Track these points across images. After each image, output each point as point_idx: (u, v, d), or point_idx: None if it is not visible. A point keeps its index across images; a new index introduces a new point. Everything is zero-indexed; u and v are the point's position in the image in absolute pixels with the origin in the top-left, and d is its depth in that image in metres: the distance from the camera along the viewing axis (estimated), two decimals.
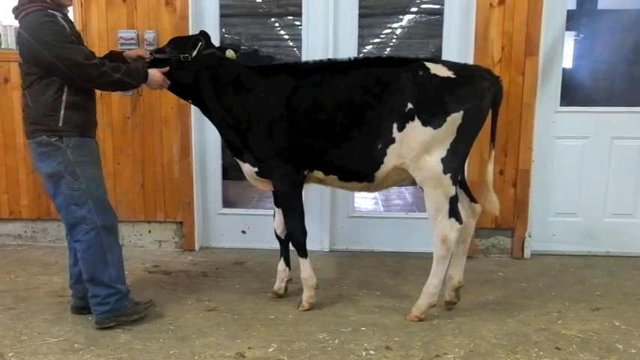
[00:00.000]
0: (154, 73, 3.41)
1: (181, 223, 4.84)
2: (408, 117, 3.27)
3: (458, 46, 4.66)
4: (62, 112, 3.20)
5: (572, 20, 4.93)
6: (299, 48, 4.91)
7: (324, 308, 3.69)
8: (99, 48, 4.58)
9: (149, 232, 4.91)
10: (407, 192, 7.01)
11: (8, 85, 4.72)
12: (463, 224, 3.40)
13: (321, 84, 3.45)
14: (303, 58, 4.73)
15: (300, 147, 3.45)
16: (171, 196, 4.76)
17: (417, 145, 3.26)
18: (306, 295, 3.67)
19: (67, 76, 3.16)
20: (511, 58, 4.50)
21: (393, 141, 3.32)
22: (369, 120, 3.35)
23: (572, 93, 4.85)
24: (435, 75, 3.27)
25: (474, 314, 3.58)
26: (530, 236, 4.72)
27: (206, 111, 3.68)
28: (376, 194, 6.72)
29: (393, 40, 13.76)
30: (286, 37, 12.23)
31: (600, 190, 4.78)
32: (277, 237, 3.86)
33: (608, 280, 4.27)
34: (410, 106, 3.26)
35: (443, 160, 3.25)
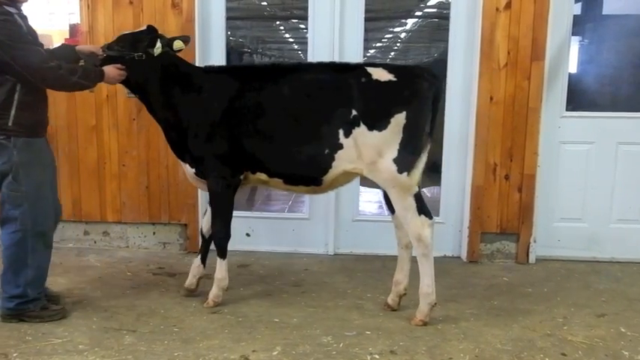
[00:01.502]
0: (110, 70, 3.39)
1: (186, 225, 4.84)
2: (353, 123, 3.33)
3: (463, 50, 4.65)
4: (13, 111, 3.19)
5: (578, 25, 4.92)
6: (304, 51, 4.91)
7: (329, 312, 3.68)
8: None
9: (153, 233, 4.90)
10: None
11: None
12: (433, 220, 3.44)
13: (265, 88, 3.49)
14: (309, 58, 4.74)
15: (241, 150, 3.49)
16: (175, 198, 4.76)
17: (369, 150, 3.33)
18: (214, 294, 3.72)
19: (21, 77, 3.14)
20: (517, 63, 4.50)
21: (340, 147, 3.37)
22: (313, 126, 3.40)
23: (578, 98, 4.84)
24: (376, 80, 3.35)
25: (478, 319, 3.57)
26: (535, 241, 4.70)
27: (151, 108, 3.68)
28: (381, 198, 6.72)
29: (397, 44, 13.77)
30: (291, 40, 12.25)
31: (606, 196, 4.76)
32: (202, 235, 3.92)
33: (613, 286, 4.25)
34: (354, 112, 3.33)
35: (395, 161, 3.32)
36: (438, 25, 9.57)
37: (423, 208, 3.39)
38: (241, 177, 3.59)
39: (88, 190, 4.80)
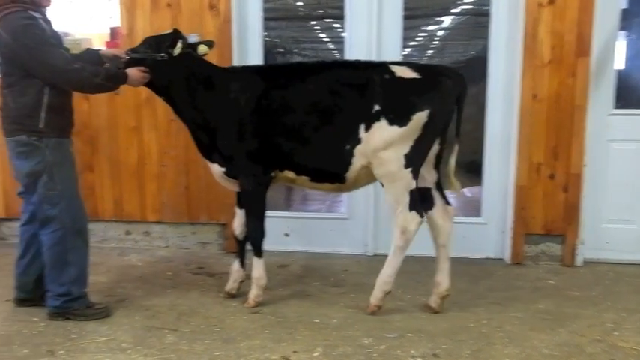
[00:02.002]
0: (134, 73, 3.43)
1: (224, 225, 4.85)
2: (375, 118, 3.36)
3: (505, 47, 4.55)
4: (43, 114, 3.27)
5: (626, 19, 4.75)
6: (339, 51, 4.89)
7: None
8: None
9: (193, 233, 4.94)
10: (451, 197, 6.87)
11: None
12: (423, 219, 3.47)
13: (291, 86, 3.52)
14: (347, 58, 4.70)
15: (269, 148, 3.52)
16: (214, 198, 4.77)
17: (380, 142, 3.35)
18: (254, 294, 3.72)
19: (48, 80, 3.22)
20: (561, 59, 4.37)
21: (359, 142, 3.41)
22: (337, 122, 3.43)
23: (627, 95, 4.67)
24: (400, 77, 3.37)
25: (524, 323, 3.48)
26: (582, 243, 4.55)
27: (177, 110, 3.70)
28: None
29: (434, 43, 13.60)
30: (326, 39, 12.22)
31: None
32: (235, 237, 3.90)
33: None
34: (377, 107, 3.35)
35: (406, 156, 3.35)
36: (477, 22, 9.41)
37: (416, 206, 3.44)
38: (272, 174, 3.61)
39: (129, 191, 4.86)
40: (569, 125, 4.42)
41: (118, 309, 3.65)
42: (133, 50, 3.59)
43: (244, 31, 4.77)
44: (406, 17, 4.82)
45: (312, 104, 3.46)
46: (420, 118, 3.33)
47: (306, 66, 3.70)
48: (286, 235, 4.95)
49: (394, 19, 4.66)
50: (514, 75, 4.50)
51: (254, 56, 4.78)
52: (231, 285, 3.89)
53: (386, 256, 4.74)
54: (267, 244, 4.88)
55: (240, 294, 3.87)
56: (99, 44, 5.01)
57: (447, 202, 3.65)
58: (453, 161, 3.57)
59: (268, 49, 8.04)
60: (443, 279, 3.61)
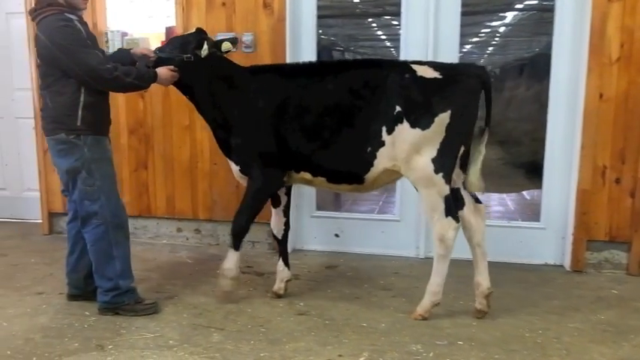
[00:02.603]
0: (163, 72, 3.49)
1: None
2: (397, 120, 3.29)
3: (570, 44, 4.32)
4: (80, 112, 3.36)
5: None
6: (396, 48, 4.76)
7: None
8: None
9: None
10: (509, 199, 6.66)
11: None
12: (460, 224, 3.39)
13: (310, 86, 3.49)
14: (402, 58, 4.58)
15: (286, 149, 3.50)
16: None
17: (407, 146, 3.28)
18: (222, 283, 3.72)
19: (82, 79, 3.31)
20: (631, 56, 4.11)
21: (382, 144, 3.34)
22: (357, 123, 3.38)
23: None
24: (421, 77, 3.30)
25: (583, 334, 3.29)
26: None
27: (200, 109, 3.73)
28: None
29: (496, 39, 13.20)
30: (383, 37, 12.05)
31: None
32: (274, 237, 3.93)
33: None
34: (398, 108, 3.28)
35: (434, 160, 3.26)
36: (540, 17, 9.05)
37: (451, 211, 3.35)
38: (285, 178, 3.62)
39: (181, 188, 4.92)
40: (638, 127, 4.15)
41: (166, 306, 3.68)
42: (161, 50, 3.65)
43: (298, 29, 4.73)
44: (465, 13, 4.67)
45: (331, 105, 3.42)
46: (443, 119, 3.24)
47: (326, 65, 3.66)
48: (336, 235, 4.89)
49: (452, 15, 4.50)
50: (579, 73, 4.27)
51: (307, 54, 4.73)
52: (278, 285, 3.88)
53: None
54: (317, 244, 4.92)
55: (287, 294, 3.84)
56: (156, 44, 5.10)
57: (478, 200, 3.56)
58: (482, 151, 3.43)
59: (325, 47, 8.00)
60: (482, 279, 3.51)
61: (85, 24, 3.43)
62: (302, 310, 3.64)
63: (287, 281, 3.88)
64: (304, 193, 4.87)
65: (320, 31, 5.20)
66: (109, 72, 3.30)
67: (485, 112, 3.44)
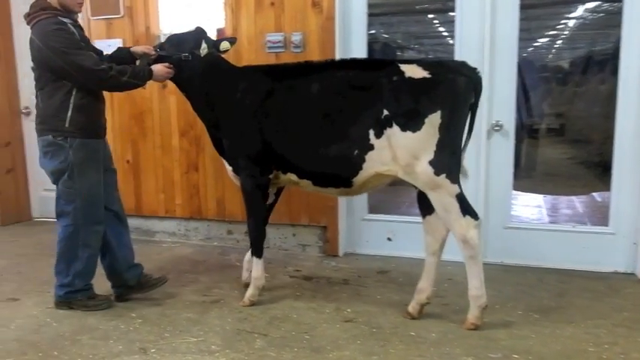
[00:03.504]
0: (159, 69, 3.54)
1: (325, 227, 4.74)
2: (385, 123, 3.21)
3: None
4: (69, 113, 3.42)
5: None
6: None
7: None
8: (247, 51, 4.67)
9: (293, 235, 4.88)
10: (577, 201, 6.29)
11: (166, 90, 4.96)
12: (479, 220, 3.27)
13: (296, 87, 3.45)
14: (457, 57, 4.38)
15: (270, 150, 3.48)
16: (315, 200, 4.67)
17: (403, 152, 3.20)
18: (250, 293, 3.71)
19: (77, 81, 3.38)
20: None
21: (371, 147, 3.27)
22: (341, 126, 3.31)
23: None
24: (409, 78, 3.20)
25: None
26: None
27: (194, 107, 3.77)
28: (542, 203, 6.15)
29: (565, 33, 12.59)
30: (445, 34, 11.74)
31: None
32: None
33: None
34: (385, 112, 3.21)
35: (432, 163, 3.17)
36: (614, 9, 8.53)
37: (468, 209, 3.24)
38: (270, 176, 3.59)
39: (232, 191, 4.89)
40: None
41: (211, 310, 3.66)
42: (160, 47, 3.69)
43: (348, 27, 4.61)
44: (531, 6, 4.40)
45: (316, 107, 3.37)
46: (433, 120, 3.14)
47: (314, 65, 3.58)
48: (389, 239, 4.74)
49: (510, 8, 4.24)
50: None
51: (358, 53, 4.59)
52: (244, 275, 3.95)
53: (494, 265, 4.44)
54: (369, 248, 4.79)
55: (333, 300, 3.73)
56: None
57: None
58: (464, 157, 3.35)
59: (386, 45, 7.84)
60: (426, 286, 3.48)
61: (79, 27, 3.52)
62: (349, 316, 3.52)
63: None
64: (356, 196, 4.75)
65: (381, 30, 5.07)
66: (105, 72, 3.35)
67: (471, 117, 3.32)
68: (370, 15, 4.69)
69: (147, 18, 5.01)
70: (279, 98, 3.47)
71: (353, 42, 4.62)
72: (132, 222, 5.28)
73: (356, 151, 3.29)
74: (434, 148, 3.16)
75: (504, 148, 4.36)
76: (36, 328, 3.42)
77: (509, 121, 4.34)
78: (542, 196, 6.38)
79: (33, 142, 5.78)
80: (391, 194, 6.14)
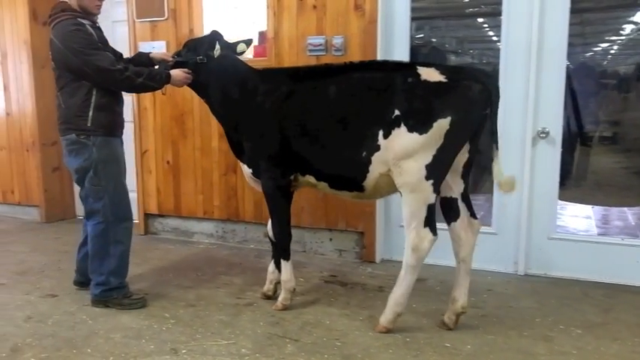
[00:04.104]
0: (177, 74, 3.59)
1: (362, 233, 4.67)
2: (394, 124, 3.17)
3: None
4: (91, 113, 3.50)
5: None
6: None
7: (510, 342, 3.22)
8: (289, 54, 4.66)
9: (330, 240, 4.83)
10: (630, 212, 6.00)
11: None
12: (437, 237, 3.25)
13: (314, 90, 3.43)
14: (502, 62, 4.27)
15: (290, 152, 3.47)
16: (353, 205, 4.61)
17: (400, 150, 3.15)
18: (282, 297, 3.70)
19: (94, 80, 3.45)
20: None
21: (377, 148, 3.23)
22: (356, 127, 3.28)
23: None
24: (424, 80, 3.15)
25: None
26: None
27: (213, 110, 3.80)
28: (591, 214, 5.91)
29: (622, 38, 12.13)
30: (495, 38, 11.48)
31: None
32: (269, 238, 3.87)
33: None
34: (397, 113, 3.16)
35: (427, 167, 3.13)
36: None
37: (432, 223, 3.22)
38: (291, 177, 3.56)
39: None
40: None
41: (245, 312, 3.65)
42: (177, 54, 3.76)
43: (390, 31, 4.54)
44: (586, 10, 4.23)
45: (332, 108, 3.35)
46: (442, 125, 3.08)
47: (333, 67, 3.55)
48: None
49: (559, 12, 4.08)
50: None
51: (400, 57, 4.50)
52: (267, 286, 3.89)
53: (539, 277, 4.28)
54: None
55: (368, 306, 3.65)
56: (249, 49, 5.13)
57: (473, 215, 3.41)
58: (497, 169, 3.25)
59: (436, 49, 7.71)
60: (460, 295, 3.39)
61: (97, 28, 3.59)
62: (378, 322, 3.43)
63: (277, 283, 3.83)
64: (393, 202, 4.66)
65: (430, 34, 4.99)
66: (120, 72, 3.43)
67: (492, 127, 3.23)
68: (418, 19, 4.63)
69: (191, 20, 5.06)
70: (298, 100, 3.46)
71: (395, 46, 4.54)
72: (170, 222, 5.42)
73: (364, 152, 3.26)
74: (434, 152, 3.12)
75: (550, 156, 4.19)
76: (72, 324, 3.48)
77: (556, 128, 4.17)
78: (591, 206, 6.13)
79: None
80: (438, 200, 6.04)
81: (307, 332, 3.36)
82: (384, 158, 3.22)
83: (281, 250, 3.70)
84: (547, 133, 4.16)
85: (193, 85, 3.74)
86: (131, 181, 5.53)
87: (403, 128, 3.14)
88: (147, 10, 5.14)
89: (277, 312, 3.64)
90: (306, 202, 4.77)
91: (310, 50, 4.60)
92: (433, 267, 4.49)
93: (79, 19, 3.48)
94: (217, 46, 3.57)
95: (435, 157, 3.12)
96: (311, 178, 3.53)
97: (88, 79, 3.46)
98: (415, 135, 3.12)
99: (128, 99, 5.29)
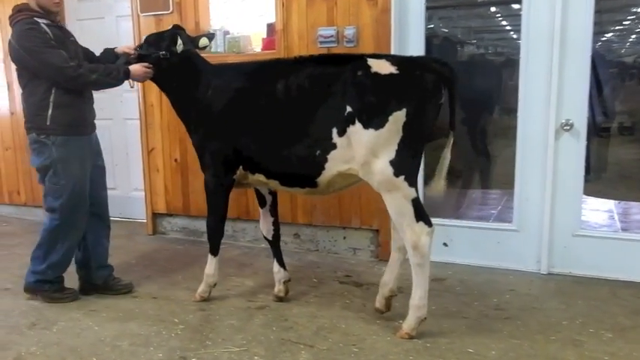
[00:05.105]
0: (136, 68, 3.55)
1: (377, 230, 4.50)
2: (348, 121, 3.08)
3: None
4: (50, 111, 3.50)
5: None
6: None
7: (536, 346, 3.05)
8: (298, 46, 4.50)
9: (344, 238, 4.67)
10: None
11: None
12: (432, 228, 3.12)
13: (262, 85, 3.36)
14: (523, 52, 4.08)
15: (236, 150, 3.44)
16: (367, 203, 4.45)
17: (363, 149, 3.06)
18: (201, 289, 3.74)
19: (50, 78, 3.46)
20: None
21: (334, 147, 3.15)
22: (304, 125, 3.21)
23: None
24: (375, 73, 3.06)
25: None
26: None
27: (173, 105, 3.75)
28: (613, 208, 5.71)
29: None
30: (508, 28, 11.25)
31: None
32: (265, 238, 3.85)
33: None
34: (349, 109, 3.07)
35: (392, 163, 3.03)
36: None
37: (422, 215, 3.10)
38: (234, 177, 3.54)
39: (280, 191, 4.72)
40: None
41: (257, 316, 3.50)
42: (140, 47, 3.70)
43: (404, 21, 4.35)
44: None
45: (281, 106, 3.28)
46: (398, 118, 3.00)
47: (282, 62, 3.53)
48: (445, 244, 4.45)
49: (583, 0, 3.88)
50: None
51: (414, 48, 4.32)
52: (278, 287, 3.77)
53: (564, 276, 4.10)
54: None
55: (388, 316, 3.49)
56: (257, 41, 4.99)
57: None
58: (447, 155, 3.20)
59: (447, 40, 7.52)
60: (389, 281, 3.40)
61: (56, 27, 3.56)
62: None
63: (285, 282, 3.76)
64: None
65: (440, 24, 4.81)
66: (73, 69, 3.42)
67: (449, 112, 3.15)
68: (434, 8, 4.43)
69: (196, 14, 4.91)
70: (246, 96, 3.39)
71: (410, 36, 4.35)
72: (179, 222, 5.29)
73: (318, 151, 3.19)
74: (395, 147, 3.02)
75: (574, 149, 4.00)
76: (78, 332, 3.35)
77: (581, 120, 3.97)
78: (616, 201, 5.92)
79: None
80: (447, 196, 5.86)
81: (322, 337, 3.21)
82: (344, 157, 3.15)
83: (211, 244, 3.69)
84: (571, 125, 3.96)
85: (155, 80, 3.70)
86: (138, 179, 5.48)
87: (358, 125, 3.05)
88: (151, 4, 4.99)
89: (291, 316, 3.49)
90: (318, 199, 4.61)
91: (321, 42, 4.43)
92: (452, 265, 4.35)
93: (35, 19, 3.47)
94: (179, 41, 3.52)
95: (397, 151, 3.02)
96: (261, 177, 3.47)
97: (46, 78, 3.47)
98: (371, 131, 3.02)
99: (134, 96, 5.21)
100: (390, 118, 3.00)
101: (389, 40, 4.28)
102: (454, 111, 3.16)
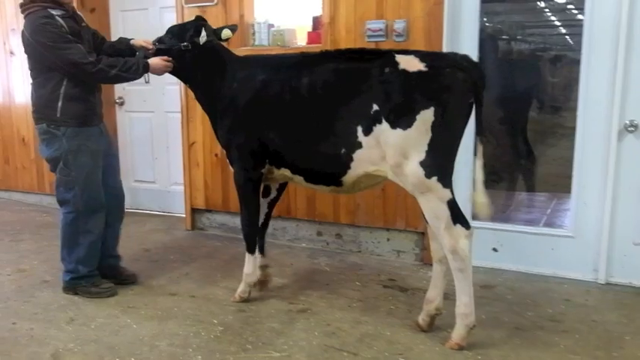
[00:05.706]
0: (156, 62, 3.50)
1: (423, 233, 4.31)
2: (375, 119, 2.97)
3: None
4: (60, 103, 3.47)
5: None
6: (572, 36, 3.97)
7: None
8: (346, 40, 4.35)
9: (387, 240, 4.50)
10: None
11: None
12: (471, 229, 2.97)
13: (288, 80, 3.26)
14: (584, 47, 3.83)
15: (263, 143, 3.36)
16: (413, 204, 4.18)
17: (391, 150, 2.96)
18: (240, 289, 3.65)
19: (67, 72, 3.42)
20: None
21: (359, 145, 3.05)
22: (329, 121, 3.10)
23: None
24: (403, 70, 2.93)
25: None
26: None
27: (197, 97, 3.70)
28: None
29: None
30: (557, 23, 10.86)
31: None
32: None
33: None
34: (375, 107, 2.97)
35: (422, 164, 2.91)
36: None
37: (460, 217, 2.96)
38: (263, 170, 3.45)
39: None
40: None
41: (298, 320, 3.37)
42: (159, 40, 3.62)
43: (457, 14, 4.15)
44: None
45: (306, 101, 3.18)
46: (426, 117, 2.87)
47: (307, 57, 3.35)
48: (494, 249, 4.24)
49: None
50: None
51: (468, 43, 4.12)
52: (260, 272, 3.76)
53: (624, 286, 3.86)
54: (472, 259, 4.28)
55: (437, 327, 3.32)
56: (303, 35, 4.85)
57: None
58: (479, 166, 3.00)
59: (492, 36, 7.26)
60: (435, 296, 3.21)
61: (71, 18, 3.49)
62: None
63: (263, 267, 3.75)
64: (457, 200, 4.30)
65: (485, 19, 4.59)
66: (93, 65, 3.38)
67: (475, 117, 3.00)
68: (484, 1, 4.21)
69: (241, 6, 4.82)
70: (272, 90, 3.29)
71: (463, 30, 4.16)
72: (219, 218, 5.19)
73: (343, 150, 3.09)
74: (425, 147, 2.89)
75: (638, 152, 3.75)
76: (116, 329, 3.27)
77: None
78: None
79: (127, 131, 5.91)
80: (496, 197, 5.62)
81: (366, 345, 3.06)
82: (371, 157, 3.04)
83: (246, 242, 3.61)
84: (636, 126, 3.71)
85: (176, 73, 3.64)
86: (178, 174, 5.42)
87: (385, 124, 2.93)
88: None
89: (334, 321, 3.35)
90: (362, 199, 4.46)
91: (369, 36, 4.27)
92: (502, 272, 4.14)
93: (48, 10, 3.40)
94: (203, 33, 3.44)
95: (428, 152, 2.89)
96: (286, 172, 3.39)
97: (60, 71, 3.43)
98: (399, 131, 2.91)
99: (176, 88, 5.14)
100: (418, 117, 2.88)
101: (441, 35, 4.10)
102: (480, 116, 3.01)
